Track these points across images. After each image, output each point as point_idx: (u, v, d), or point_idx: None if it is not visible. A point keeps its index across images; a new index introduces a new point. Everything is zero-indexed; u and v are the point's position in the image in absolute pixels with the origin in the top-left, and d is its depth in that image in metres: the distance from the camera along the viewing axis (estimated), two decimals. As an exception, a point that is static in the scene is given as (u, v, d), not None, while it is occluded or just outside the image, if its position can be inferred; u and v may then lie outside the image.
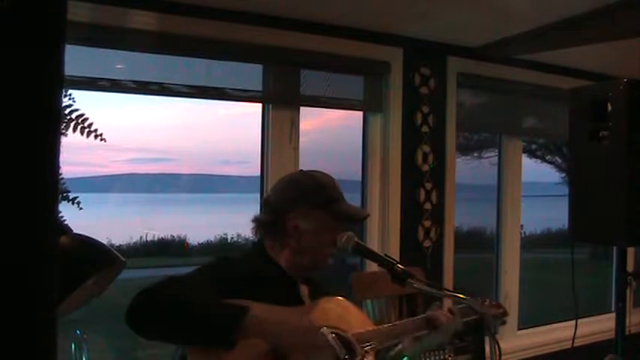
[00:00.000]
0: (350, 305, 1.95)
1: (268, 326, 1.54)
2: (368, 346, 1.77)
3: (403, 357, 1.87)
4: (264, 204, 1.91)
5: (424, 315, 2.01)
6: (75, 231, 1.26)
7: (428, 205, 3.55)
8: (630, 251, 3.46)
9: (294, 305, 1.76)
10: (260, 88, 3.09)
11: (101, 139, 2.27)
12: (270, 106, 3.16)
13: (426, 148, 3.54)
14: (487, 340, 1.78)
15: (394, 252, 3.36)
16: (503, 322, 2.25)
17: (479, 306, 1.75)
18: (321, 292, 1.91)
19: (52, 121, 0.61)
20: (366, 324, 1.88)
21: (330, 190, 1.87)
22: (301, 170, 2.00)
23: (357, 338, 1.75)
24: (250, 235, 1.93)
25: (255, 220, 1.90)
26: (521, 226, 4.28)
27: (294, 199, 1.83)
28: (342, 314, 1.84)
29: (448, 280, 3.64)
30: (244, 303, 1.56)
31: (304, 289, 1.88)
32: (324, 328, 1.67)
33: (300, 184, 1.87)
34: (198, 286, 1.62)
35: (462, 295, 1.79)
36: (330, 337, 1.61)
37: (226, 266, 1.77)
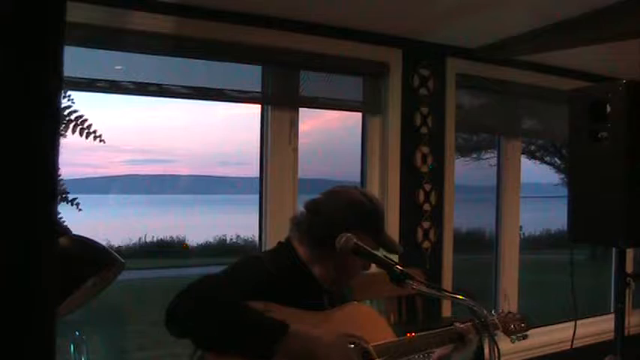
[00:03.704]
0: (372, 312, 1.95)
1: (304, 344, 1.57)
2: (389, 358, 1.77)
3: None
4: (314, 210, 1.84)
5: (450, 328, 1.98)
6: (74, 232, 1.25)
7: (427, 206, 3.55)
8: (629, 252, 3.47)
9: (316, 311, 1.77)
10: (259, 89, 3.09)
11: (100, 141, 2.27)
12: (270, 107, 3.16)
13: (425, 149, 3.54)
14: (486, 341, 1.77)
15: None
16: (524, 337, 2.20)
17: (478, 307, 1.74)
18: (338, 297, 1.91)
19: (51, 122, 0.61)
20: (387, 332, 1.88)
21: (380, 219, 1.88)
22: (358, 189, 1.94)
23: (378, 350, 1.75)
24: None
25: (299, 224, 1.85)
26: (521, 227, 4.29)
27: (352, 221, 1.80)
28: (363, 321, 1.85)
29: (447, 281, 3.63)
30: (279, 311, 1.58)
31: (325, 296, 1.89)
32: (344, 337, 1.69)
33: (361, 207, 1.83)
34: (235, 290, 1.61)
35: (460, 297, 1.78)
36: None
37: (258, 269, 1.75)
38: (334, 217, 1.80)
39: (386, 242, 1.88)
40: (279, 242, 1.91)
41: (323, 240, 1.80)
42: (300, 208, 1.89)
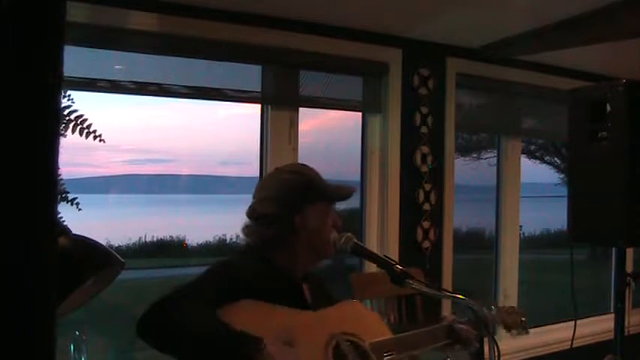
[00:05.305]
0: (366, 310, 1.95)
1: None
2: (387, 356, 1.76)
3: None
4: (260, 216, 1.84)
5: (445, 324, 1.98)
6: (74, 232, 1.25)
7: (427, 206, 3.55)
8: (629, 252, 3.47)
9: (299, 306, 1.76)
10: (259, 89, 3.09)
11: (100, 140, 2.27)
12: (269, 106, 3.16)
13: (425, 149, 3.54)
14: (486, 340, 1.77)
15: (393, 253, 3.36)
16: (526, 332, 2.18)
17: (478, 307, 1.74)
18: (322, 291, 1.91)
19: (51, 121, 0.61)
20: (382, 329, 1.87)
21: (316, 181, 1.88)
22: (278, 169, 1.95)
23: (374, 347, 1.75)
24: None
25: (255, 235, 1.85)
26: (520, 226, 4.28)
27: (294, 203, 1.81)
28: (358, 319, 1.84)
29: (447, 281, 3.64)
30: (273, 312, 1.57)
31: (305, 288, 1.88)
32: (340, 335, 1.67)
33: (292, 185, 1.84)
34: (206, 301, 1.57)
35: (460, 296, 1.78)
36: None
37: (231, 275, 1.72)
38: (278, 210, 1.81)
39: (335, 197, 1.89)
40: (248, 245, 1.90)
41: (280, 235, 1.80)
42: (245, 221, 1.87)
